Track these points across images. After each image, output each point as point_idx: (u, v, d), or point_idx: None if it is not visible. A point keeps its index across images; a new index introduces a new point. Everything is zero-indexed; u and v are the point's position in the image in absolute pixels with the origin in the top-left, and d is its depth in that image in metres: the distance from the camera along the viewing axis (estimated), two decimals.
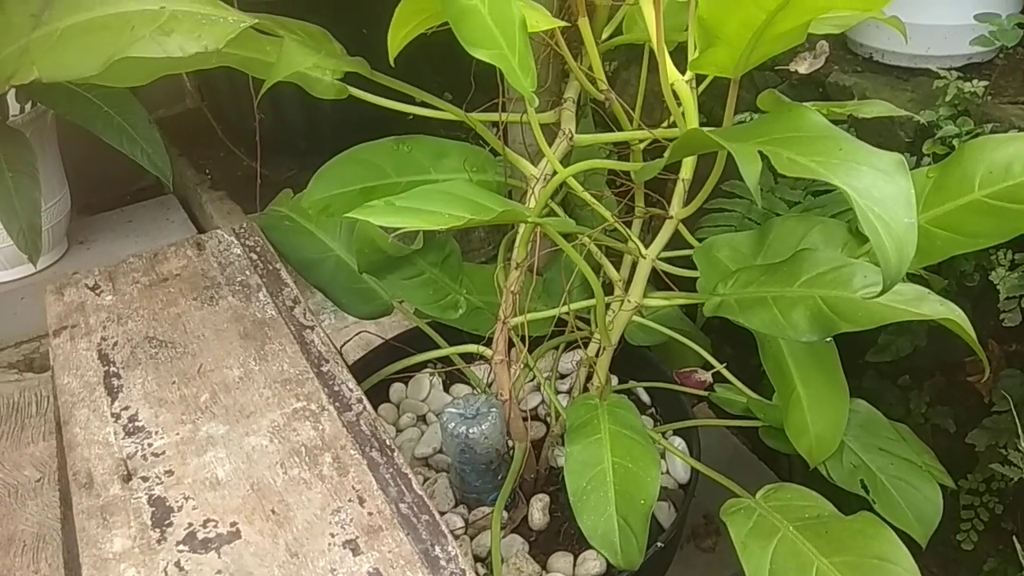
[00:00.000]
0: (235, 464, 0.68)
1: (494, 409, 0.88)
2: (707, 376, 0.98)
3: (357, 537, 0.61)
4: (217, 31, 0.61)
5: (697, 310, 1.14)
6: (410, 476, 0.66)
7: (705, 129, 0.58)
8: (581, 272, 0.95)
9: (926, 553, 0.77)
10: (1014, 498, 1.04)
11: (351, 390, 0.74)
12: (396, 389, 1.09)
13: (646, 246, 0.88)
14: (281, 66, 0.70)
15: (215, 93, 1.84)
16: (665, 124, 0.91)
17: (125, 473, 0.68)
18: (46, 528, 1.18)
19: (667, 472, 0.96)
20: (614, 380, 1.06)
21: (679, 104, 0.77)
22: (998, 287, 0.94)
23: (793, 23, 0.57)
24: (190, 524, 0.63)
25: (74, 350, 0.82)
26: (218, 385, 0.76)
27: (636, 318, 0.94)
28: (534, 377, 1.01)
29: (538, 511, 0.91)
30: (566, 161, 0.87)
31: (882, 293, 0.53)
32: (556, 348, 1.04)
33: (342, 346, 1.08)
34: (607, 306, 0.89)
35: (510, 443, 0.93)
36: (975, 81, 0.98)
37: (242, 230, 0.98)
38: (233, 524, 0.63)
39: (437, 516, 0.63)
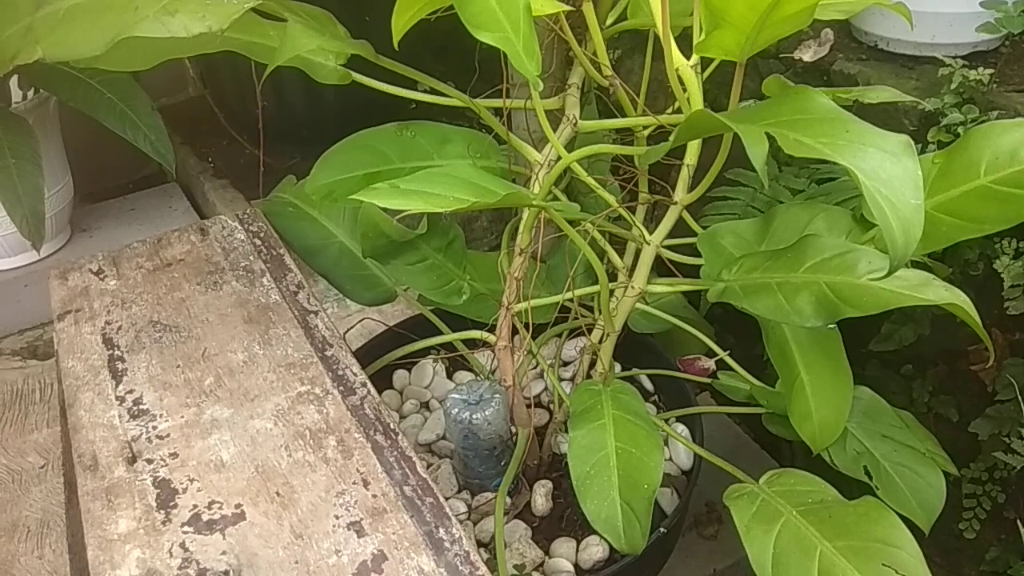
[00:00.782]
0: (240, 447, 0.68)
1: (497, 395, 0.88)
2: (710, 363, 0.98)
3: (361, 519, 0.61)
4: (221, 12, 0.61)
5: (700, 298, 1.14)
6: (414, 459, 0.66)
7: (711, 111, 0.57)
8: (584, 259, 0.96)
9: (928, 542, 0.77)
10: (1016, 487, 1.04)
11: (355, 374, 0.74)
12: (399, 376, 1.09)
13: (650, 233, 0.88)
14: (285, 48, 0.70)
15: (218, 81, 1.83)
16: (670, 110, 0.91)
17: (130, 455, 0.68)
18: (50, 514, 1.19)
19: (670, 459, 0.96)
20: (617, 367, 1.06)
21: (684, 90, 0.77)
22: (1002, 275, 0.94)
23: (799, 5, 0.57)
24: (195, 506, 0.63)
25: (78, 334, 0.82)
26: (222, 369, 0.76)
27: (640, 305, 0.94)
28: (537, 364, 1.01)
29: (541, 497, 0.92)
30: (570, 147, 0.87)
31: (889, 274, 0.53)
32: (559, 335, 1.04)
33: (345, 333, 1.08)
34: (611, 292, 0.89)
35: (513, 429, 0.93)
36: (981, 69, 0.97)
37: (246, 216, 0.98)
38: (238, 506, 0.63)
39: (441, 499, 0.63)
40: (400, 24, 0.79)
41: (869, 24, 1.11)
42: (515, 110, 0.95)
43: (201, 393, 0.74)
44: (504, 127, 0.89)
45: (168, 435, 0.70)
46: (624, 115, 0.89)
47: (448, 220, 0.93)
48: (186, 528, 0.62)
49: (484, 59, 0.99)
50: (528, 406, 0.92)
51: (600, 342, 0.92)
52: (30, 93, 1.49)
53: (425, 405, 1.07)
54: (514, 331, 0.91)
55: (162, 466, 0.67)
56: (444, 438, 1.00)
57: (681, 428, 0.98)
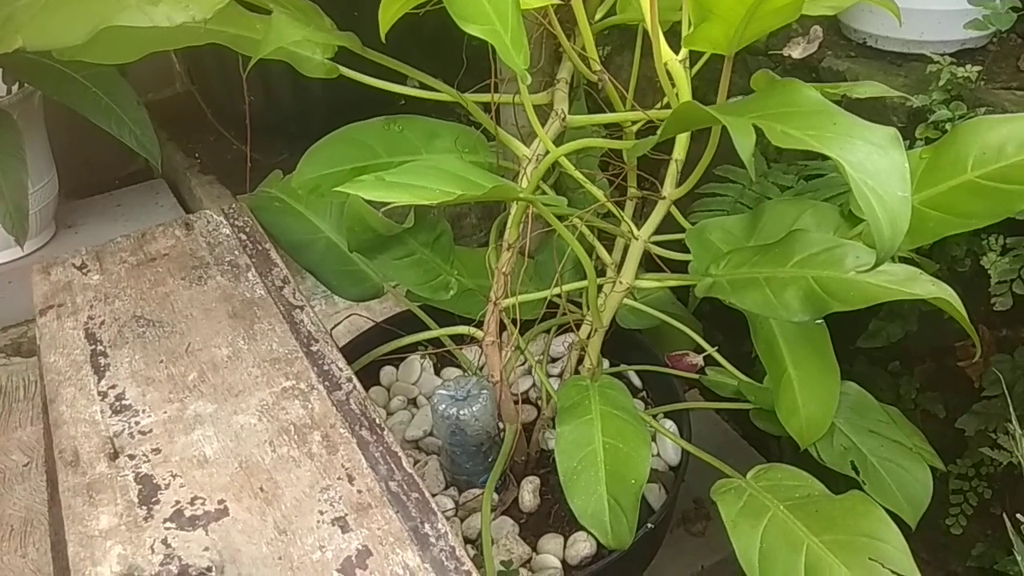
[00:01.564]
0: (223, 442, 0.67)
1: (485, 391, 0.88)
2: (698, 359, 0.98)
3: (346, 514, 0.61)
4: (205, 1, 0.61)
5: (689, 295, 1.14)
6: (400, 454, 0.66)
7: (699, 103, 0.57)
8: (573, 255, 0.95)
9: (915, 537, 0.77)
10: (1003, 482, 1.05)
11: (341, 369, 0.74)
12: (387, 372, 1.09)
13: (638, 229, 0.88)
14: (270, 38, 0.69)
15: (205, 76, 1.82)
16: (659, 106, 0.90)
17: (112, 451, 0.67)
18: (34, 513, 1.18)
19: (658, 455, 0.96)
20: (605, 363, 1.06)
21: (673, 85, 0.77)
22: (989, 272, 0.94)
23: None
24: (177, 502, 0.63)
25: (60, 329, 0.81)
26: (206, 364, 0.75)
27: (628, 301, 0.94)
28: (525, 360, 1.01)
29: (528, 493, 0.91)
30: (558, 142, 0.87)
31: (876, 266, 0.53)
32: (548, 331, 1.04)
33: (332, 329, 1.07)
34: (599, 288, 0.88)
35: (501, 425, 0.93)
36: (968, 66, 0.98)
37: (231, 210, 0.98)
38: (221, 502, 0.62)
39: (427, 494, 0.62)
40: (387, 17, 0.78)
41: (858, 21, 1.11)
42: (504, 105, 0.95)
43: (184, 388, 0.73)
44: (492, 122, 0.88)
45: (151, 430, 0.69)
46: (613, 111, 0.89)
47: (435, 215, 0.92)
48: (168, 524, 0.61)
49: (473, 54, 0.99)
50: (516, 402, 0.92)
51: (588, 338, 0.92)
52: (14, 88, 1.48)
53: (412, 401, 1.06)
54: (502, 327, 0.90)
55: (144, 462, 0.66)
56: (431, 434, 0.99)
57: (669, 424, 0.98)
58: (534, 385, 1.06)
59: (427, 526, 0.60)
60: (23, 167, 1.26)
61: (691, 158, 0.85)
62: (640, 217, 0.93)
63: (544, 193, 0.92)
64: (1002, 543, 1.08)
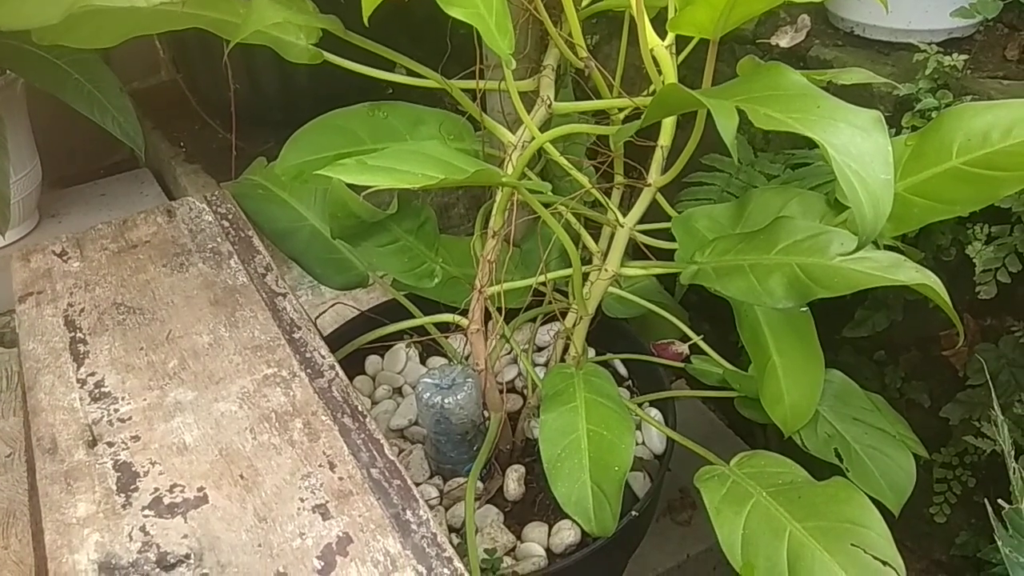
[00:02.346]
0: (203, 430, 0.66)
1: (470, 379, 0.87)
2: (684, 348, 0.98)
3: (327, 502, 0.60)
4: None
5: (675, 284, 1.13)
6: (382, 442, 0.65)
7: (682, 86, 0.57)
8: (558, 243, 0.95)
9: (899, 526, 0.77)
10: (987, 471, 1.05)
11: (323, 356, 0.73)
12: (372, 361, 1.08)
13: (624, 216, 0.87)
14: (250, 20, 0.68)
15: (190, 64, 1.80)
16: (645, 93, 0.90)
17: (90, 438, 0.66)
18: (16, 503, 1.16)
19: (643, 443, 0.96)
20: (591, 352, 1.05)
21: (659, 71, 0.76)
22: (974, 260, 0.95)
23: None
24: (156, 489, 0.62)
25: (40, 316, 0.80)
26: (187, 351, 0.74)
27: (614, 289, 0.93)
28: (511, 349, 1.00)
29: (513, 482, 0.91)
30: (545, 129, 0.86)
31: (857, 249, 0.53)
32: (533, 320, 1.04)
33: (317, 318, 1.06)
34: (584, 276, 0.88)
35: (486, 414, 0.92)
36: (955, 55, 0.98)
37: (214, 197, 0.97)
38: (200, 489, 0.62)
39: (409, 481, 0.62)
40: (370, 0, 0.77)
41: (845, 10, 1.11)
42: (490, 92, 0.94)
43: (164, 376, 0.72)
44: (478, 108, 0.88)
45: (130, 418, 0.68)
46: (600, 98, 0.88)
47: (420, 202, 0.91)
48: (147, 512, 0.60)
49: (459, 41, 0.98)
50: (501, 391, 0.92)
51: (573, 326, 0.91)
52: None
53: (398, 391, 1.06)
54: (487, 315, 0.90)
55: (123, 449, 0.65)
56: (416, 424, 0.99)
57: (654, 412, 0.98)
58: (520, 374, 1.05)
59: (409, 513, 0.59)
60: (5, 155, 1.25)
61: (677, 146, 0.84)
62: (627, 205, 0.93)
63: (529, 180, 0.91)
64: (985, 531, 1.08)
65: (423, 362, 1.09)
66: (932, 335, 1.07)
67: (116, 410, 0.69)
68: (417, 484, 0.92)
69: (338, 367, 0.72)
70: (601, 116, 0.96)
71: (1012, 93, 0.95)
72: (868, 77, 0.81)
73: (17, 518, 1.15)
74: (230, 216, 0.94)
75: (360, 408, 0.68)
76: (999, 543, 0.65)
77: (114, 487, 0.62)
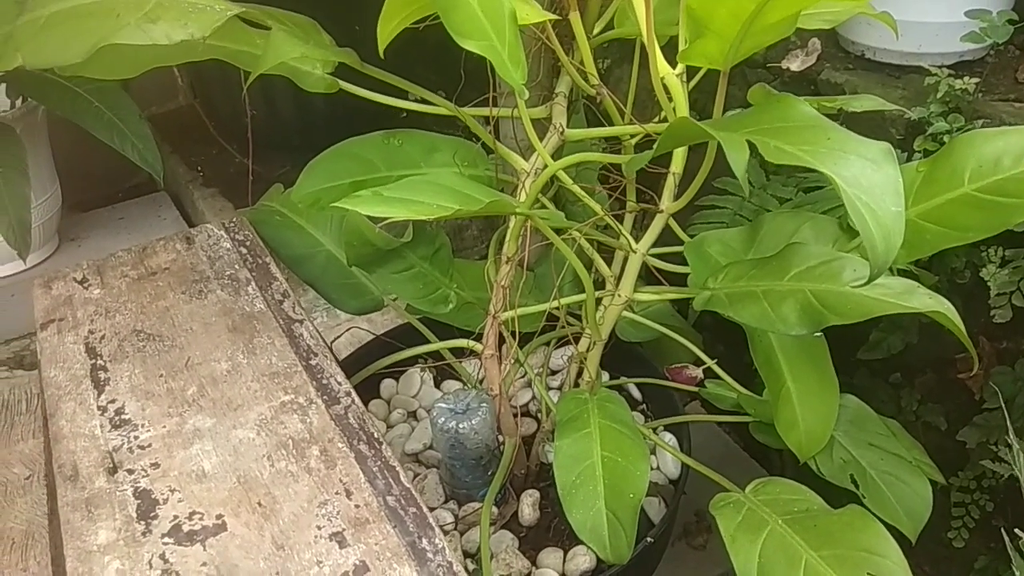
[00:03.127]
0: (222, 457, 0.67)
1: (484, 404, 0.88)
2: (698, 372, 0.98)
3: (344, 529, 0.61)
4: (204, 19, 0.61)
5: (688, 307, 1.14)
6: (398, 469, 0.66)
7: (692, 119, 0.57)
8: (572, 268, 0.95)
9: (917, 551, 0.77)
10: (1005, 495, 1.04)
11: (339, 383, 0.74)
12: (387, 385, 1.09)
13: (637, 242, 0.88)
14: (268, 56, 0.69)
15: (207, 89, 1.83)
16: (656, 119, 0.91)
17: (111, 466, 0.67)
18: (35, 526, 1.17)
19: (657, 468, 0.95)
20: (605, 376, 1.05)
21: (670, 99, 0.77)
22: (989, 284, 0.94)
23: (782, 14, 0.57)
24: (175, 516, 0.63)
25: (61, 343, 0.82)
26: (206, 378, 0.75)
27: (627, 314, 0.94)
28: (525, 373, 1.00)
29: (528, 507, 0.91)
30: (557, 155, 0.87)
31: (870, 281, 0.53)
32: (547, 344, 1.04)
33: (332, 342, 1.07)
34: (598, 301, 0.88)
35: (500, 439, 0.92)
36: (966, 78, 0.98)
37: (232, 224, 0.98)
38: (219, 516, 0.62)
39: (424, 509, 0.62)
40: (386, 32, 0.79)
41: (855, 34, 1.12)
42: (503, 119, 0.95)
43: (184, 403, 0.73)
44: (491, 136, 0.89)
45: (150, 445, 0.69)
46: (612, 124, 0.89)
47: (434, 228, 0.92)
48: (166, 539, 0.61)
49: (472, 68, 0.99)
50: (515, 415, 0.92)
51: (587, 351, 0.92)
52: (18, 102, 1.48)
53: (412, 415, 1.06)
54: (501, 340, 0.90)
55: (143, 476, 0.66)
56: (431, 448, 0.99)
57: (669, 437, 0.98)
58: (534, 398, 1.06)
59: (425, 541, 0.60)
60: (26, 181, 1.27)
61: (689, 170, 0.85)
62: (640, 230, 0.93)
63: (543, 207, 0.92)
64: (1005, 556, 1.06)
65: (437, 386, 1.09)
66: (948, 357, 1.07)
67: (136, 437, 0.70)
68: (432, 509, 0.92)
69: (354, 394, 0.73)
70: (613, 141, 0.97)
71: None
72: (879, 104, 0.81)
73: (36, 540, 1.16)
74: (248, 243, 0.95)
75: (376, 435, 0.69)
76: (1015, 572, 0.64)
77: (134, 514, 0.63)
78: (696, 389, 0.97)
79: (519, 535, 0.90)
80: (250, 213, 1.05)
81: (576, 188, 0.86)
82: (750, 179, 1.14)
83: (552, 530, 0.90)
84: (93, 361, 0.79)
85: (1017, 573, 0.61)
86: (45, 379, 0.78)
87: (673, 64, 0.74)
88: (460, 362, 1.04)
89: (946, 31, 1.03)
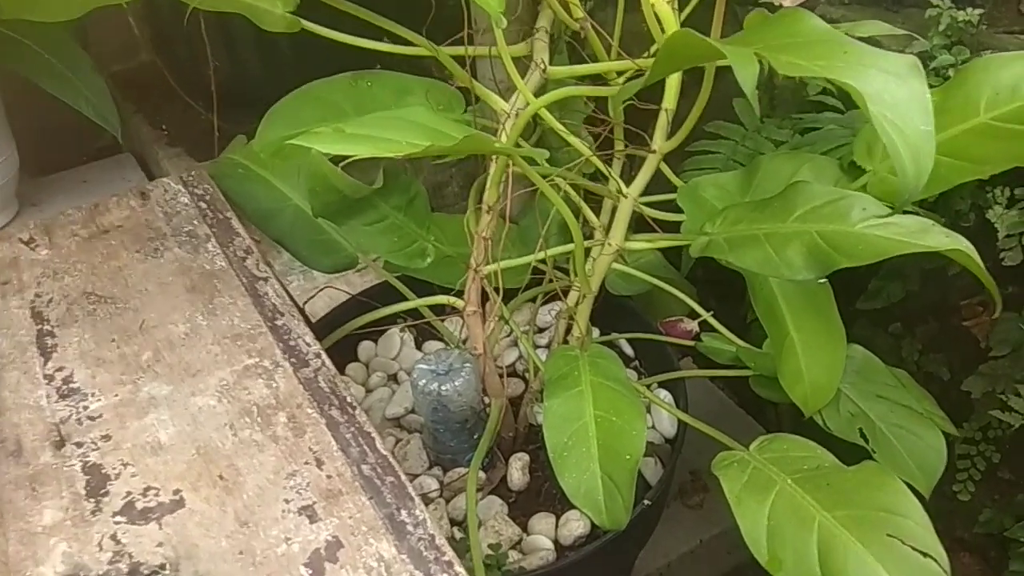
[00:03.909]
0: (179, 427, 0.61)
1: (468, 364, 0.83)
2: (694, 325, 0.93)
3: (314, 503, 0.55)
4: None
5: (681, 258, 1.09)
6: (373, 435, 0.60)
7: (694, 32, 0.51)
8: (558, 218, 0.89)
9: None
10: (1011, 446, 1.01)
11: (308, 344, 0.68)
12: (365, 347, 1.03)
13: (627, 187, 0.82)
14: None
15: (168, 44, 1.74)
16: (647, 54, 0.84)
17: (58, 439, 0.61)
18: None
19: (653, 427, 0.91)
20: (595, 332, 1.00)
21: (662, 29, 0.71)
22: (996, 225, 0.90)
23: None
24: (128, 493, 0.57)
25: (5, 308, 0.75)
26: (162, 342, 0.69)
27: (618, 265, 0.88)
28: (511, 331, 0.95)
29: (517, 471, 0.86)
30: (539, 95, 0.81)
31: (898, 209, 0.47)
32: (533, 300, 0.99)
33: (305, 303, 1.01)
34: (587, 251, 0.83)
35: (486, 400, 0.87)
36: (969, 10, 0.93)
37: (190, 178, 0.91)
38: (176, 492, 0.57)
39: (403, 478, 0.57)
40: None
41: None
42: (480, 60, 0.88)
43: (138, 369, 0.67)
44: (468, 75, 0.82)
45: (100, 416, 0.63)
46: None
47: (408, 176, 0.86)
48: (118, 518, 0.55)
49: (448, 14, 0.92)
50: (501, 375, 0.87)
51: (576, 305, 0.86)
52: None
53: (393, 377, 1.01)
54: (484, 296, 0.85)
55: (93, 450, 0.60)
56: (413, 412, 0.94)
57: (664, 394, 0.93)
58: (520, 357, 1.01)
59: (404, 513, 0.54)
60: None
61: (679, 114, 0.79)
62: (628, 177, 0.88)
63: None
64: (1010, 509, 1.04)
65: (419, 347, 1.04)
66: (951, 305, 1.03)
67: (85, 407, 0.64)
68: (415, 476, 0.87)
69: (324, 355, 0.67)
70: (599, 82, 0.90)
71: None
72: (885, 29, 0.75)
73: None
74: (207, 197, 0.88)
75: (349, 399, 0.63)
76: None
77: (83, 492, 0.57)
78: (692, 343, 0.92)
79: (508, 501, 0.85)
80: (212, 167, 0.98)
81: (560, 127, 0.80)
82: (743, 122, 1.09)
83: (543, 495, 0.85)
84: (39, 327, 0.72)
85: None
86: None
87: None
88: (442, 321, 0.98)
89: None
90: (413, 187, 0.85)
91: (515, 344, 1.02)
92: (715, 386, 1.26)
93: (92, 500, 0.57)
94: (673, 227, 0.86)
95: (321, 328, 0.96)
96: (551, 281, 0.90)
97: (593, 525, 0.78)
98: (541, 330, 1.05)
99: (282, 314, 0.71)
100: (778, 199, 0.71)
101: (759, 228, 0.70)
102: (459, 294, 0.86)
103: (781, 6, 1.13)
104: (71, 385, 0.66)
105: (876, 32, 0.76)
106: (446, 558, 0.52)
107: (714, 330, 0.91)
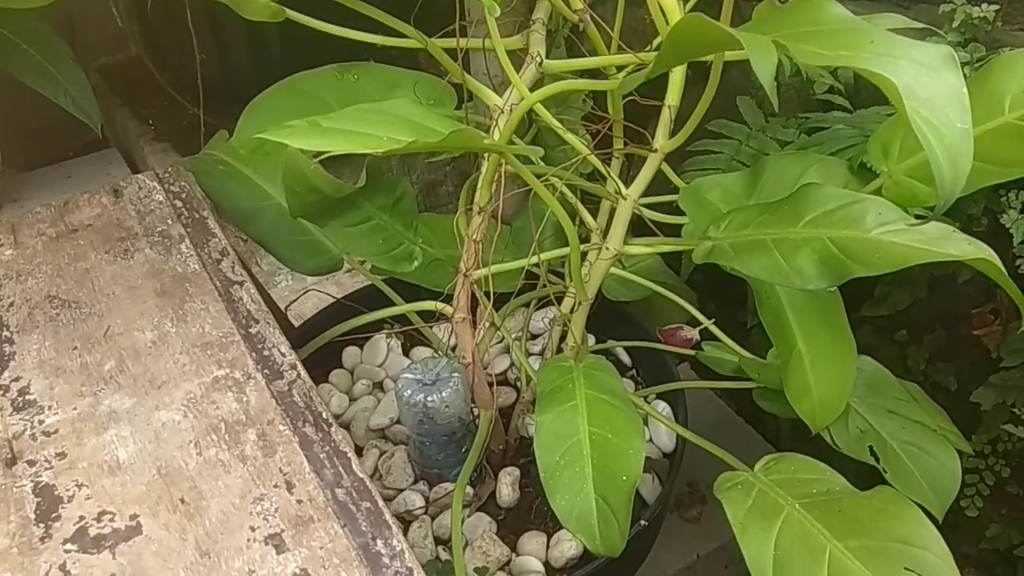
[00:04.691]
0: (140, 444, 0.57)
1: (456, 374, 0.78)
2: (694, 333, 0.89)
3: (282, 531, 0.51)
4: None
5: (680, 263, 1.04)
6: (350, 455, 0.56)
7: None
8: (553, 220, 0.85)
9: None
10: (1021, 459, 0.97)
11: (283, 354, 0.64)
12: (350, 354, 0.99)
13: (626, 188, 0.78)
14: None
15: (155, 37, 1.69)
16: (649, 48, 0.80)
17: (9, 456, 0.57)
18: None
19: (650, 440, 0.87)
20: (591, 340, 0.96)
21: (667, 22, 0.66)
22: (1010, 231, 0.86)
23: None
24: (81, 518, 0.52)
25: None
26: (126, 351, 0.65)
27: (615, 270, 0.84)
28: (502, 338, 0.91)
29: (507, 486, 0.82)
30: (535, 89, 0.76)
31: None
32: (526, 305, 0.94)
33: (287, 307, 0.97)
34: (583, 255, 0.78)
35: (475, 411, 0.83)
36: (985, 6, 0.90)
37: (166, 174, 0.86)
38: (133, 517, 0.52)
39: (381, 503, 0.52)
40: None
41: None
42: (473, 54, 0.84)
43: (99, 380, 0.62)
44: (460, 68, 0.78)
45: (56, 431, 0.58)
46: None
47: (394, 175, 0.81)
48: (68, 546, 0.51)
49: (439, 8, 0.88)
50: (491, 385, 0.82)
51: (571, 312, 0.82)
52: None
53: (378, 385, 0.96)
54: (475, 301, 0.80)
55: (46, 468, 0.56)
56: (399, 422, 0.89)
57: (663, 406, 0.88)
58: (512, 365, 0.96)
59: (380, 543, 0.50)
60: None
61: (681, 113, 0.75)
62: (626, 179, 0.83)
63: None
64: (1018, 524, 1.01)
65: (406, 353, 1.00)
66: (960, 313, 0.99)
67: (41, 421, 0.59)
68: (399, 491, 0.83)
69: (300, 366, 0.63)
70: (598, 78, 0.86)
71: None
72: (903, 23, 0.71)
73: None
74: (183, 195, 0.84)
75: (324, 415, 0.58)
76: None
77: (32, 516, 0.53)
78: (692, 352, 0.88)
79: (497, 518, 0.81)
80: (190, 163, 0.93)
81: (556, 124, 0.75)
82: (747, 121, 1.05)
83: (534, 512, 0.81)
84: None
85: None
86: None
87: None
88: (431, 327, 0.94)
89: None
90: (399, 186, 0.80)
91: (506, 352, 0.97)
92: (714, 394, 1.22)
93: (42, 525, 0.52)
94: (673, 230, 0.81)
95: (304, 333, 0.91)
96: (545, 286, 0.86)
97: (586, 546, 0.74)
98: (534, 337, 1.00)
99: (257, 321, 0.67)
100: (787, 202, 0.67)
101: (767, 233, 0.65)
102: (448, 299, 0.82)
103: (787, 1, 1.09)
104: (27, 397, 0.61)
105: (892, 25, 0.71)
106: None
107: (715, 338, 0.87)
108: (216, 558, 0.49)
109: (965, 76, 0.86)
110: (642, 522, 0.73)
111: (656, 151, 0.74)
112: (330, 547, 0.49)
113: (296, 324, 1.01)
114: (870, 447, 0.72)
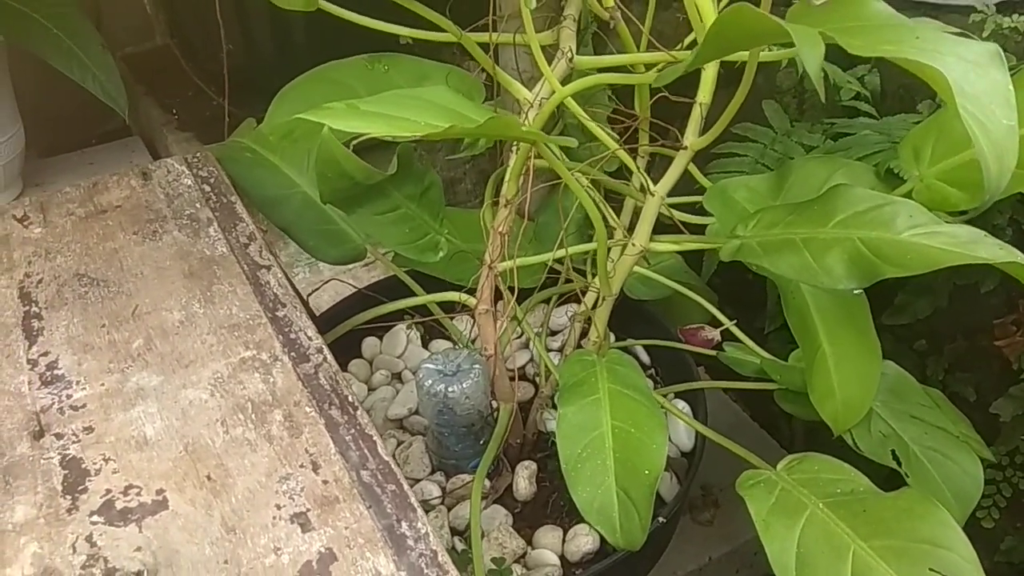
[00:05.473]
0: (167, 421, 0.57)
1: (477, 366, 0.78)
2: (715, 334, 0.88)
3: (308, 510, 0.51)
4: None
5: (702, 263, 1.04)
6: (375, 439, 0.56)
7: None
8: (577, 216, 0.85)
9: None
10: None
11: (310, 338, 0.64)
12: (369, 344, 0.99)
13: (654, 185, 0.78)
14: None
15: (183, 27, 1.71)
16: (681, 46, 0.80)
17: (37, 429, 0.57)
18: None
19: (669, 439, 0.86)
20: (611, 338, 0.96)
21: (701, 19, 0.66)
22: None
23: None
24: (108, 491, 0.53)
25: None
26: (154, 329, 0.65)
27: (638, 268, 0.84)
28: (522, 332, 0.91)
29: (524, 480, 0.82)
30: (565, 84, 0.76)
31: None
32: (548, 300, 0.94)
33: (309, 295, 0.97)
34: (607, 251, 0.78)
35: (494, 404, 0.83)
36: (1016, 16, 0.89)
37: (195, 159, 0.87)
38: (160, 492, 0.52)
39: (406, 486, 0.52)
40: None
41: None
42: (503, 49, 0.84)
43: (127, 357, 0.63)
44: (491, 61, 0.78)
45: (84, 405, 0.59)
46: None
47: (423, 164, 0.81)
48: (95, 518, 0.51)
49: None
50: (511, 378, 0.82)
51: (594, 307, 0.82)
52: None
53: (397, 376, 0.97)
54: (497, 294, 0.80)
55: (74, 442, 0.56)
56: (417, 413, 0.90)
57: (682, 405, 0.88)
58: (532, 360, 0.96)
59: (404, 525, 0.50)
60: None
61: (709, 115, 0.75)
62: (652, 177, 0.83)
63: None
64: None
65: (425, 345, 1.00)
66: (981, 323, 0.98)
67: (69, 396, 0.60)
68: (417, 480, 0.83)
69: (327, 350, 0.63)
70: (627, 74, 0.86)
71: None
72: (939, 27, 0.70)
73: None
74: (212, 180, 0.84)
75: (350, 398, 0.59)
76: None
77: (59, 487, 0.53)
78: (713, 353, 0.87)
79: (513, 511, 0.81)
80: (218, 150, 0.93)
81: (584, 116, 0.75)
82: (772, 125, 1.05)
83: (550, 506, 0.81)
84: (27, 308, 0.68)
85: None
86: None
87: None
88: (451, 319, 0.94)
89: None
90: (428, 176, 0.81)
91: (527, 346, 0.97)
92: (729, 398, 1.21)
93: (68, 497, 0.52)
94: (696, 230, 0.81)
95: (325, 322, 0.91)
96: (568, 281, 0.85)
97: (602, 541, 0.74)
98: (554, 332, 1.00)
99: (284, 305, 0.67)
100: (817, 202, 0.67)
101: (796, 232, 0.65)
102: (471, 291, 0.82)
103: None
104: (55, 372, 0.62)
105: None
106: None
107: (735, 339, 0.86)
108: (242, 534, 0.49)
109: None
110: (660, 519, 0.73)
111: (685, 149, 0.74)
112: (355, 527, 0.50)
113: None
114: (892, 451, 0.71)
